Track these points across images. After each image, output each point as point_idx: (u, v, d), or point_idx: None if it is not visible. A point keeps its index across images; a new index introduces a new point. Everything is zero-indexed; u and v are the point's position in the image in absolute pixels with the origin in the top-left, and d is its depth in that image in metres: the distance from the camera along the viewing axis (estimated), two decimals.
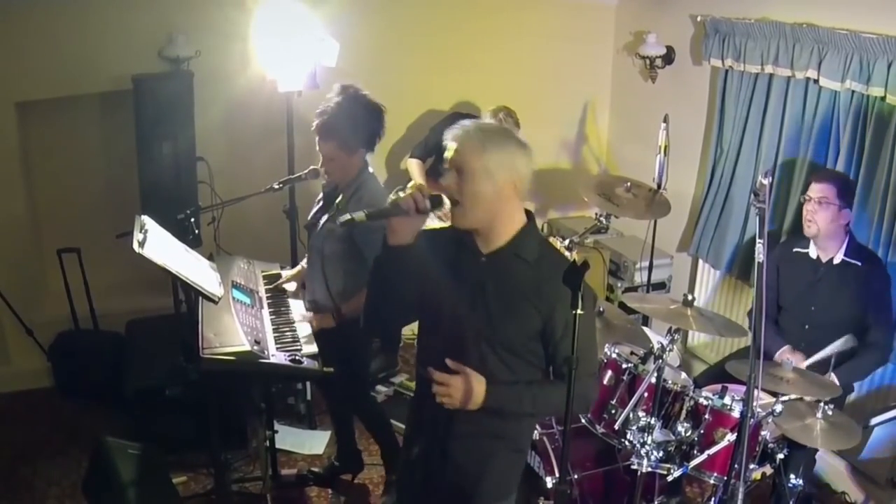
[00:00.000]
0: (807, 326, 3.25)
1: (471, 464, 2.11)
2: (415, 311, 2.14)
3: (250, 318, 2.85)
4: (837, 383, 3.03)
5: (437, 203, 1.95)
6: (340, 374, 3.19)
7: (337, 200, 2.97)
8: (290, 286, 3.29)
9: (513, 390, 2.01)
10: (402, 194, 1.93)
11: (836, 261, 3.20)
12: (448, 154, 1.97)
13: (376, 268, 2.05)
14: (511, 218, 2.01)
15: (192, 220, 3.17)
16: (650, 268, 4.23)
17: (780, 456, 2.78)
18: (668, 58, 4.40)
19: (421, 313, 2.14)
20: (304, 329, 2.96)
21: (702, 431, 2.76)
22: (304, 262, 3.35)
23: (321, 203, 3.16)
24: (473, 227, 2.01)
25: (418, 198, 1.91)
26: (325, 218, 3.06)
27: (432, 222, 4.10)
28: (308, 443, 3.87)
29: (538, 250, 2.03)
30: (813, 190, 3.14)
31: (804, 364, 3.05)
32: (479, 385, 1.96)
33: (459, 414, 2.01)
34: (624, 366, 2.89)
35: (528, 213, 2.05)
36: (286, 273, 3.38)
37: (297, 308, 3.13)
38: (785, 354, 3.13)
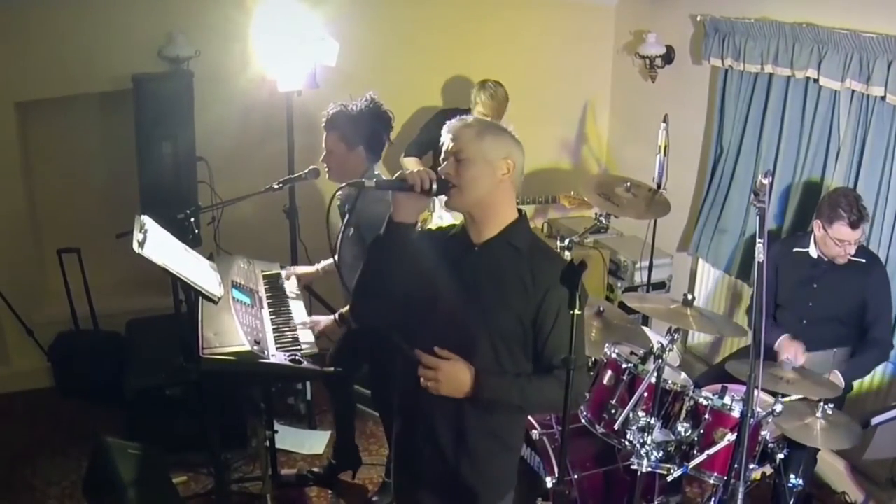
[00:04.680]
0: (804, 322, 3.26)
1: (465, 467, 2.09)
2: (402, 306, 2.11)
3: (250, 318, 2.85)
4: (842, 379, 3.04)
5: (444, 187, 1.99)
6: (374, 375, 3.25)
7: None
8: (292, 284, 3.30)
9: (501, 381, 2.00)
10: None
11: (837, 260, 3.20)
12: (446, 143, 2.03)
13: (375, 245, 2.06)
14: (504, 208, 2.04)
15: (192, 220, 3.16)
16: (650, 267, 4.23)
17: (780, 456, 2.78)
18: (668, 57, 4.40)
19: (410, 309, 2.11)
20: (305, 335, 2.94)
21: (702, 431, 2.75)
22: (318, 266, 3.38)
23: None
24: (468, 210, 2.03)
25: (424, 177, 1.95)
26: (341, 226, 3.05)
27: (440, 221, 4.16)
28: (308, 443, 3.87)
29: (529, 240, 2.06)
30: (848, 235, 3.06)
31: (803, 357, 3.07)
32: (466, 373, 1.97)
33: (448, 411, 2.02)
34: (624, 366, 2.89)
35: (519, 211, 2.09)
36: (302, 269, 3.42)
37: (298, 310, 3.12)
38: (785, 342, 3.14)
